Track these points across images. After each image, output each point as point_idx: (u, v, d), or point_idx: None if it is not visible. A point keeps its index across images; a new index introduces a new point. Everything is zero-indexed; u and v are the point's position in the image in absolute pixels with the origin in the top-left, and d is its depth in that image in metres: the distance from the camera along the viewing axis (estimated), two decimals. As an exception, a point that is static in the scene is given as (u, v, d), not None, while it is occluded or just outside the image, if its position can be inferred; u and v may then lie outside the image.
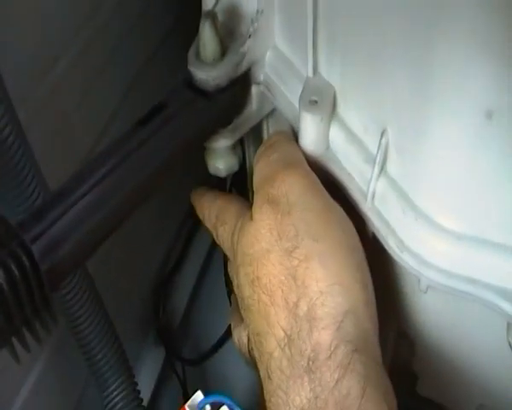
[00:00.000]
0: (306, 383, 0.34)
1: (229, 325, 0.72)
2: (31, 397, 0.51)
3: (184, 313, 0.79)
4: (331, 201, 0.38)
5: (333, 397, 0.33)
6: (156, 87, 0.46)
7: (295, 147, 0.41)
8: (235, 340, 0.46)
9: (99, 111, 0.57)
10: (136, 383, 0.54)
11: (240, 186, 0.58)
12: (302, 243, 0.36)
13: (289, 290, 0.36)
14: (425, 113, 0.34)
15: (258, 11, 0.41)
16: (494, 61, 0.31)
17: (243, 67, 0.42)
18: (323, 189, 0.39)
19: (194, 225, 0.84)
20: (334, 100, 0.40)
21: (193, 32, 0.42)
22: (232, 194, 0.49)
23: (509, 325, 0.36)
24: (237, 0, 0.42)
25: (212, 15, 0.40)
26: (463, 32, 0.31)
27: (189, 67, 0.42)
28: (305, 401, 0.33)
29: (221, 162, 0.46)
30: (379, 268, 0.38)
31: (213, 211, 0.44)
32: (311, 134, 0.40)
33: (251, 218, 0.39)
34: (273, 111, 0.47)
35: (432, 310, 0.41)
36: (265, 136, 0.50)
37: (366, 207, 0.39)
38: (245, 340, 0.44)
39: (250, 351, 0.43)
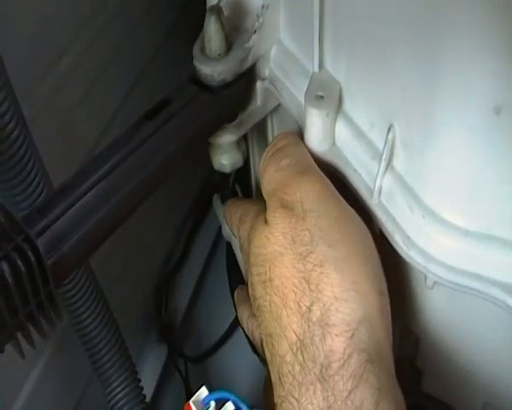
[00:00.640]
0: (319, 392, 0.33)
1: (231, 323, 0.73)
2: (34, 393, 0.52)
3: (187, 310, 0.80)
4: (347, 207, 0.38)
5: (346, 408, 0.33)
6: (159, 85, 0.46)
7: (305, 151, 0.41)
8: (246, 328, 0.45)
9: (102, 108, 0.57)
10: (139, 380, 0.54)
11: (243, 182, 0.58)
12: (317, 249, 0.36)
13: (302, 294, 0.35)
14: (432, 108, 0.34)
15: (263, 6, 0.41)
16: (500, 57, 0.30)
17: (248, 63, 0.42)
18: (338, 194, 0.38)
19: (196, 222, 0.84)
20: (340, 95, 0.40)
21: (195, 30, 0.42)
22: (256, 199, 0.49)
23: (515, 321, 0.36)
24: (242, -5, 0.42)
25: (217, 10, 0.40)
26: (470, 28, 0.31)
27: (194, 62, 0.41)
28: None
29: (226, 158, 0.46)
30: (385, 264, 0.38)
31: (238, 214, 0.44)
32: (316, 130, 0.40)
33: (265, 221, 0.38)
34: (278, 107, 0.47)
35: (437, 307, 0.41)
36: (270, 132, 0.50)
37: (372, 204, 0.39)
38: (256, 333, 0.43)
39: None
